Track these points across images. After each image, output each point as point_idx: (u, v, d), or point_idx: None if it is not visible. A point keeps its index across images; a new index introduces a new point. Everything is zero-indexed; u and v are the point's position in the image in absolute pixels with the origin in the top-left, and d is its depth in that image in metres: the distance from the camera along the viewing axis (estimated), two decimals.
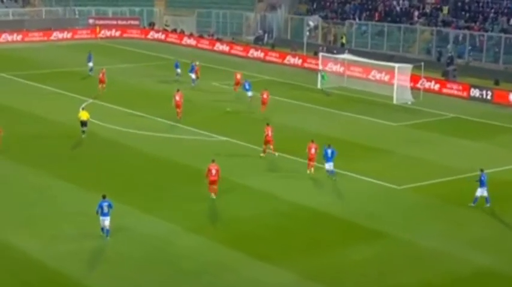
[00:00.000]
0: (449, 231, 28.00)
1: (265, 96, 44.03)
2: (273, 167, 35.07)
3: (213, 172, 30.19)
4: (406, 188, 32.40)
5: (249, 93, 47.19)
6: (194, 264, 24.84)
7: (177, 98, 42.72)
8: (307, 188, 32.37)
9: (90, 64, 54.60)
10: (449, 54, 59.11)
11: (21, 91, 50.62)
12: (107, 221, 26.29)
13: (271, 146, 36.00)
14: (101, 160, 35.88)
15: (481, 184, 30.14)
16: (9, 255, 25.15)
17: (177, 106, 42.47)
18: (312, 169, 34.06)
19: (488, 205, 30.25)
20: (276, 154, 36.07)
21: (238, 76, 49.87)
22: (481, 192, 30.18)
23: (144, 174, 33.88)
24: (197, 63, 53.89)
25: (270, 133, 35.79)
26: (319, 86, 52.64)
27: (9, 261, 24.77)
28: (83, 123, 38.97)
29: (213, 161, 30.67)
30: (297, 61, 62.77)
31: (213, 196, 30.50)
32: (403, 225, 28.44)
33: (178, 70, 55.18)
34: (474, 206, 30.26)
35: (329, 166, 33.16)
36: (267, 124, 36.68)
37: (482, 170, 30.58)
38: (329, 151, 33.21)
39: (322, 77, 53.09)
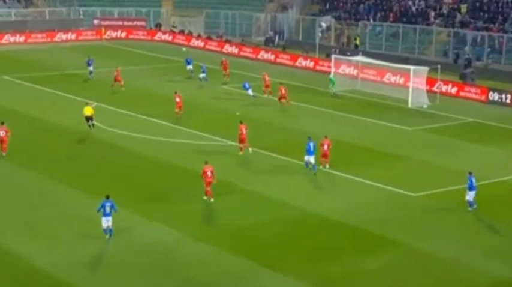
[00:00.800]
0: (466, 240, 27.88)
1: (283, 91, 45.55)
2: (281, 172, 35.06)
3: (209, 173, 30.68)
4: (422, 195, 32.30)
5: (250, 93, 48.81)
6: (201, 273, 24.83)
7: (177, 99, 43.88)
8: (316, 194, 32.35)
9: (90, 68, 54.58)
10: (467, 56, 58.97)
11: (23, 94, 50.86)
12: (109, 222, 26.76)
13: (245, 144, 37.02)
14: (104, 163, 36.00)
15: (471, 187, 30.17)
16: (9, 260, 25.22)
17: (178, 107, 43.81)
18: (327, 165, 34.89)
19: (470, 209, 30.29)
20: (250, 149, 37.20)
21: (268, 78, 49.95)
22: (470, 196, 30.24)
23: (148, 179, 33.95)
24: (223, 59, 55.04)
25: (244, 131, 36.82)
26: (329, 90, 52.56)
27: (8, 266, 24.86)
28: (88, 119, 40.54)
29: (206, 163, 31.22)
30: (309, 64, 62.74)
31: (211, 199, 30.73)
32: (418, 233, 28.33)
33: (190, 67, 55.43)
34: (472, 210, 30.28)
35: (311, 159, 34.19)
36: (241, 122, 37.58)
37: (470, 173, 30.55)
38: (311, 145, 34.18)
39: (330, 80, 53.03)
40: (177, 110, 43.81)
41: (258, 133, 41.67)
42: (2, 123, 36.60)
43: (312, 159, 34.35)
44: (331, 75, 53.72)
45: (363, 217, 29.72)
